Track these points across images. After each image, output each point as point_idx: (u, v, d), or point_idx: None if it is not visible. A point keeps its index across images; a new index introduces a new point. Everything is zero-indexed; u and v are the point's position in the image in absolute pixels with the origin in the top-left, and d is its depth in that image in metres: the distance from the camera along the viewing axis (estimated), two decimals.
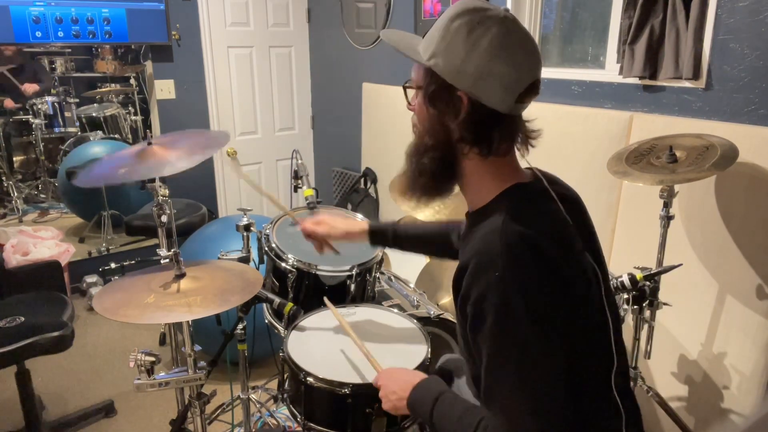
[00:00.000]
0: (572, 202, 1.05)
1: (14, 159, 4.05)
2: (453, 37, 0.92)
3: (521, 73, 0.92)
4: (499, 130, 0.95)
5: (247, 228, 1.93)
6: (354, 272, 1.78)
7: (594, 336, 0.98)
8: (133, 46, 3.69)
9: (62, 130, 4.04)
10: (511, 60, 0.91)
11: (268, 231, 1.88)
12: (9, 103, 3.76)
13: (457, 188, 1.07)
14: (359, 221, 1.54)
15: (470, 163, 0.99)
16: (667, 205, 1.81)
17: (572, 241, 0.97)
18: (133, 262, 3.21)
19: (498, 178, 0.99)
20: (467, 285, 0.91)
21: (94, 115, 4.12)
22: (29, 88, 3.77)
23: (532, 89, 0.94)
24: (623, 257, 2.19)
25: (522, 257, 0.88)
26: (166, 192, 1.86)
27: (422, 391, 1.07)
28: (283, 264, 1.76)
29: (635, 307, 1.76)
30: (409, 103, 1.06)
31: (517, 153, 1.03)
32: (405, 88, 1.05)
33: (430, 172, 1.02)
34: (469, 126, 0.95)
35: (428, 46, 0.96)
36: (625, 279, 1.72)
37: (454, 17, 0.93)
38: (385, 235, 1.49)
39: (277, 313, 1.80)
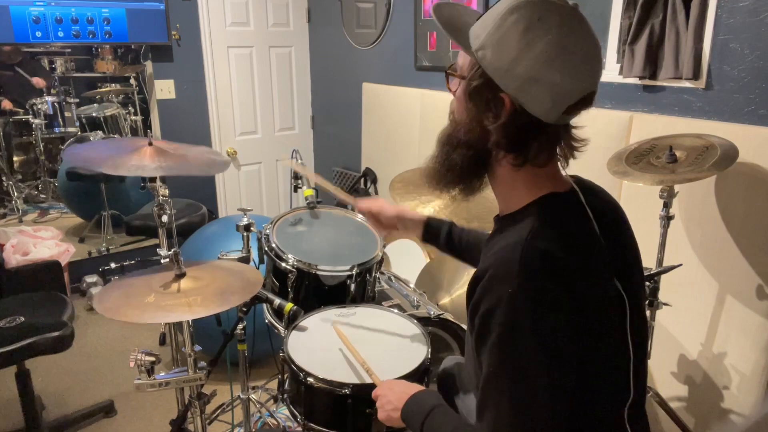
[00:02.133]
0: (611, 217, 0.98)
1: (14, 159, 4.05)
2: (507, 32, 0.83)
3: (575, 85, 0.84)
4: (540, 140, 0.88)
5: (247, 228, 1.93)
6: (354, 272, 1.78)
7: (610, 368, 0.92)
8: (133, 46, 3.69)
9: (62, 130, 4.04)
10: (566, 69, 0.83)
11: (268, 231, 1.88)
12: (7, 104, 3.77)
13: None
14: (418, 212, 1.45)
15: (503, 170, 0.93)
16: (667, 205, 1.81)
17: (599, 264, 0.90)
18: (133, 262, 3.22)
19: (532, 187, 0.92)
20: (479, 295, 0.86)
21: (94, 115, 4.12)
22: (39, 82, 3.78)
23: (584, 102, 0.87)
24: None
25: (539, 277, 0.82)
26: (166, 192, 1.86)
27: (416, 403, 1.03)
28: (283, 264, 1.76)
29: None
30: (450, 89, 0.98)
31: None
32: (447, 74, 0.96)
33: (459, 170, 0.95)
34: (508, 132, 0.88)
35: (480, 34, 0.87)
36: None
37: (513, 9, 0.83)
38: (439, 231, 1.40)
39: (277, 313, 1.80)
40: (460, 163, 0.95)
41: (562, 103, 0.85)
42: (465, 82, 0.91)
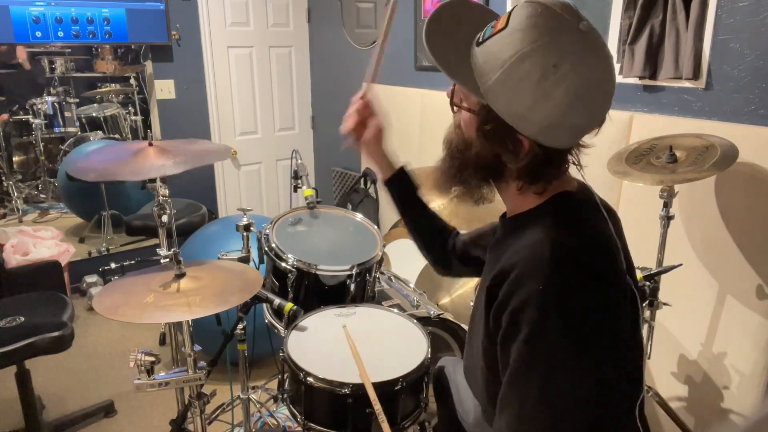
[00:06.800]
0: (612, 216, 1.00)
1: (14, 159, 4.05)
2: (520, 81, 0.80)
3: (594, 120, 0.85)
4: (558, 164, 0.90)
5: (247, 228, 1.93)
6: (354, 272, 1.77)
7: (627, 363, 0.93)
8: (133, 46, 3.69)
9: (62, 130, 4.04)
10: (587, 110, 0.82)
11: (267, 231, 1.88)
12: (3, 117, 3.80)
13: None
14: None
15: (515, 183, 0.94)
16: (667, 205, 1.81)
17: (618, 261, 0.92)
18: (133, 262, 3.22)
19: (543, 190, 0.94)
20: (506, 293, 0.85)
21: (94, 115, 4.12)
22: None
23: (598, 125, 0.89)
24: None
25: (568, 273, 0.83)
26: (166, 192, 1.86)
27: None
28: (283, 264, 1.76)
29: None
30: (452, 109, 0.97)
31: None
32: (452, 101, 0.95)
33: (473, 186, 0.97)
34: (529, 169, 0.88)
35: (486, 74, 0.83)
36: None
37: (523, 56, 0.79)
38: (409, 183, 1.31)
39: (277, 313, 1.80)
40: (474, 181, 0.96)
41: (581, 136, 0.89)
42: (476, 120, 0.89)
